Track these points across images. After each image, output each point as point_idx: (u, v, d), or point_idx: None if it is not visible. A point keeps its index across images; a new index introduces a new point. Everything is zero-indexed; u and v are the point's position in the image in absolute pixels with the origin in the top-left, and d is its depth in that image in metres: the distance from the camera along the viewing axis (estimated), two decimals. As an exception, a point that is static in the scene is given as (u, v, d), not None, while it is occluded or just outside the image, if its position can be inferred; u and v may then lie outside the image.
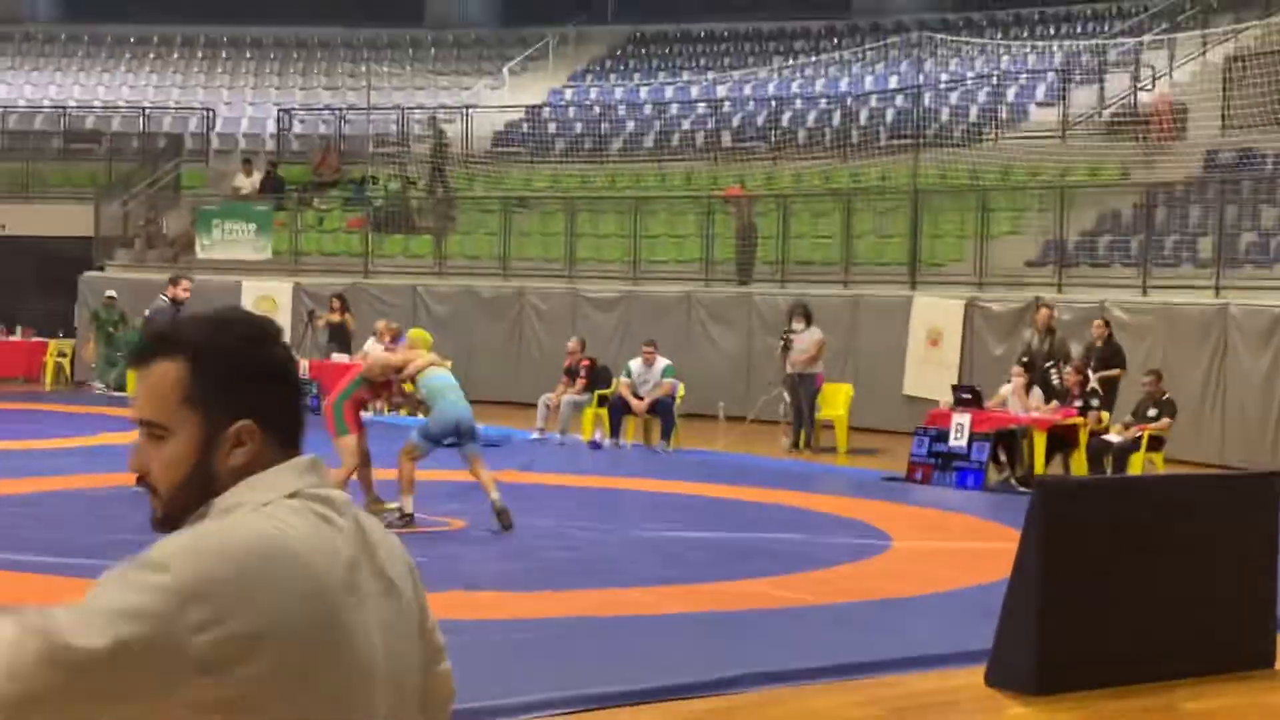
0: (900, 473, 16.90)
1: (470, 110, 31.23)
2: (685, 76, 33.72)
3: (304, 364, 23.80)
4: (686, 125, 31.17)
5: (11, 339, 28.72)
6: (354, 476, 12.34)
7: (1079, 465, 16.36)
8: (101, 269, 28.74)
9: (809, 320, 19.91)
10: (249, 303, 27.22)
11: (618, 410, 19.40)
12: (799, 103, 31.07)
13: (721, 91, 32.42)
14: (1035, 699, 7.79)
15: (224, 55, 36.85)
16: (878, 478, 17.01)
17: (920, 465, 16.71)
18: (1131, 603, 8.22)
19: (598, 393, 19.88)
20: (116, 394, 25.38)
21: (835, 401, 20.13)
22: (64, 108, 33.67)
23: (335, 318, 24.78)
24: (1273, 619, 8.80)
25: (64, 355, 28.39)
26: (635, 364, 19.52)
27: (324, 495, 2.34)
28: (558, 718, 7.16)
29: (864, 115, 29.61)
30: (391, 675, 2.35)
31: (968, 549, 12.40)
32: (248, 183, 30.27)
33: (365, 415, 13.75)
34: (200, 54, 36.85)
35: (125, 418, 20.91)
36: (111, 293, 27.39)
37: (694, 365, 23.80)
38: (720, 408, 23.37)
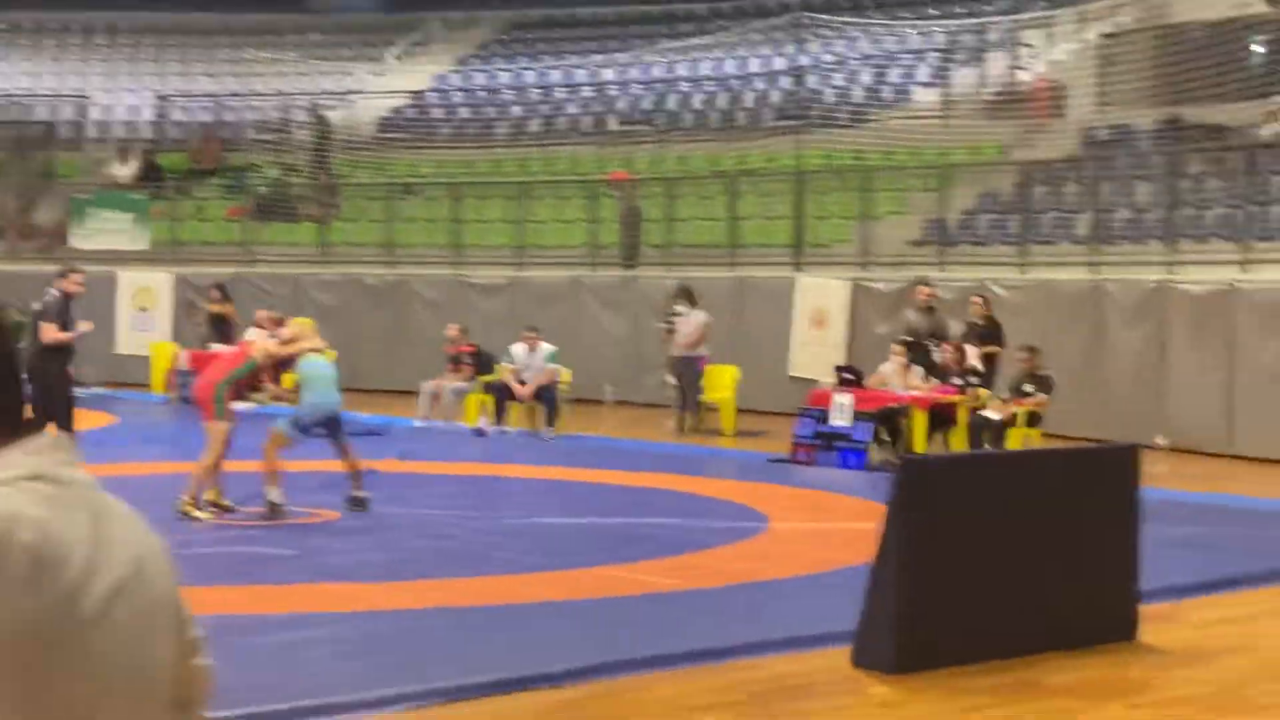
0: (786, 454, 16.88)
1: (353, 96, 30.89)
2: (571, 60, 33.53)
3: (184, 355, 23.45)
4: (572, 109, 31.03)
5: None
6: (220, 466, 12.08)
7: (959, 443, 16.42)
8: (-26, 261, 28.13)
9: (692, 303, 19.85)
10: (126, 294, 26.81)
11: (501, 397, 19.25)
12: (684, 86, 31.00)
13: (607, 75, 32.28)
14: (897, 678, 7.75)
15: (100, 42, 36.18)
16: (763, 459, 17.00)
17: (804, 446, 16.69)
18: (993, 579, 8.20)
19: (482, 379, 19.70)
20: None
21: (721, 384, 20.08)
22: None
23: (215, 308, 24.39)
24: (1133, 591, 8.82)
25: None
26: (518, 350, 19.37)
27: (62, 477, 2.19)
28: (409, 713, 7.01)
29: (749, 98, 29.62)
30: (132, 669, 2.20)
31: (846, 529, 12.36)
32: (125, 171, 29.76)
33: (239, 407, 13.46)
34: (76, 40, 36.15)
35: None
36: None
37: (582, 350, 23.67)
38: (608, 392, 23.29)
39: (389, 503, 12.86)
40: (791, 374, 21.55)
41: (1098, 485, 8.84)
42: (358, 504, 12.43)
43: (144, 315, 26.70)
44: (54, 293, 14.71)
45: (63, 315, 14.39)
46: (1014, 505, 8.36)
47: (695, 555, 10.99)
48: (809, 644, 8.42)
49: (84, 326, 14.93)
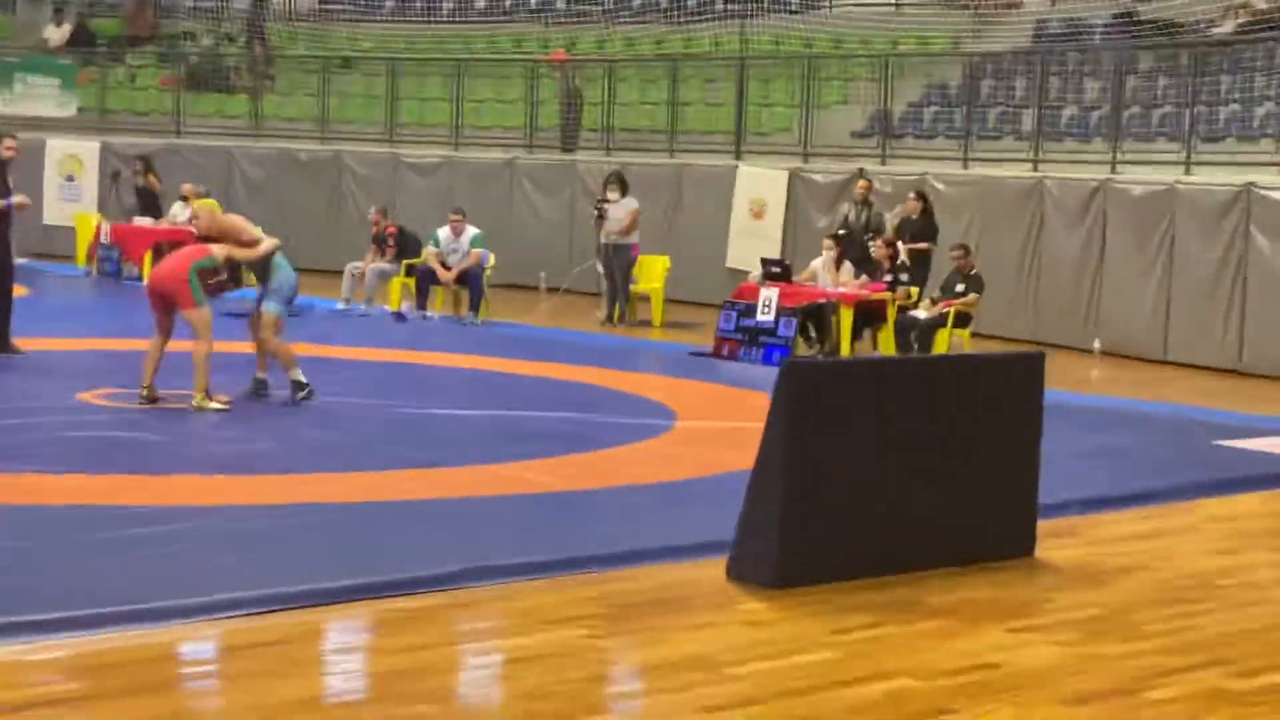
0: (710, 348, 16.46)
1: (295, -36, 29.98)
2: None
3: (107, 228, 22.81)
4: (522, -14, 30.18)
5: None
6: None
7: (886, 341, 16.02)
8: (-103, 124, 27.30)
9: (624, 189, 19.32)
10: (53, 162, 26.08)
11: (425, 281, 18.72)
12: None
13: (559, -49, 31.43)
14: (774, 593, 7.37)
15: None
16: (686, 353, 16.58)
17: (727, 340, 16.27)
18: (881, 491, 7.80)
19: (406, 262, 19.15)
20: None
21: (652, 274, 19.61)
22: None
23: (140, 181, 23.69)
24: (1033, 506, 8.45)
25: None
26: (443, 233, 18.80)
27: None
28: (246, 617, 6.59)
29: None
30: None
31: (755, 429, 11.90)
32: (57, 34, 28.89)
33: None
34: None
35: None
36: None
37: (515, 234, 23.18)
38: (542, 278, 22.81)
39: (287, 389, 12.39)
40: (729, 265, 21.09)
41: (1000, 394, 8.42)
42: (257, 387, 12.21)
43: (71, 185, 26.02)
44: None
45: None
46: (907, 414, 7.94)
47: (592, 454, 10.56)
48: (692, 553, 8.03)
49: (20, 199, 14.26)
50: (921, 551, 7.93)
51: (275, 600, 6.78)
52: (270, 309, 12.09)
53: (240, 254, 12.05)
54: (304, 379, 11.97)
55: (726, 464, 10.05)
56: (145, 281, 12.51)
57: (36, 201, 25.65)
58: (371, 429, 11.12)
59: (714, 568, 7.72)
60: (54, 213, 25.85)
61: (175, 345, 11.66)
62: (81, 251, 23.65)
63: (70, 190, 25.95)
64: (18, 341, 14.05)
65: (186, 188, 22.76)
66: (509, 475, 9.70)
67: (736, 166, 21.82)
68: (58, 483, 8.82)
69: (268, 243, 12.17)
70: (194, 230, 13.01)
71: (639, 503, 9.16)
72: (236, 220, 12.54)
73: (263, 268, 12.25)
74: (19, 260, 23.88)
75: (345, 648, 6.61)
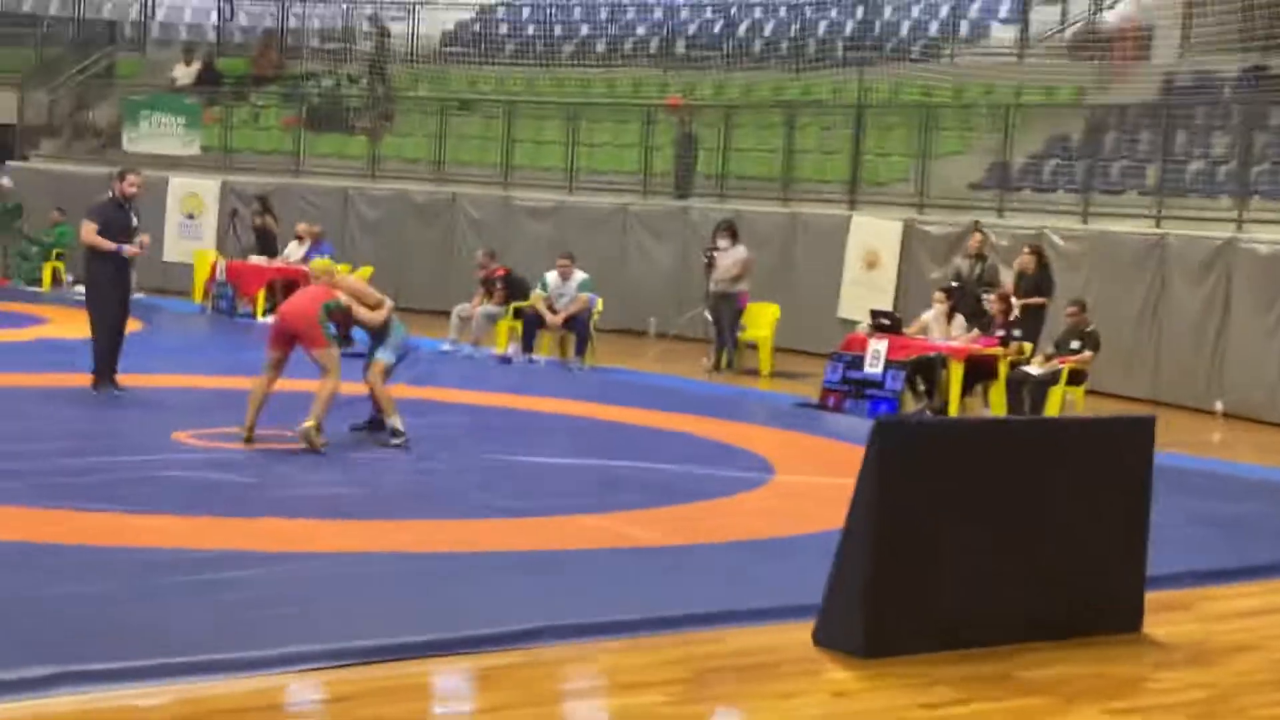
0: (816, 399, 16.17)
1: (417, 7, 30.17)
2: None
3: (222, 265, 22.97)
4: (641, 31, 30.16)
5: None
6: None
7: (997, 397, 15.63)
8: (25, 159, 27.79)
9: (734, 237, 19.11)
10: (175, 199, 26.37)
11: (532, 324, 18.61)
12: (758, 12, 30.05)
13: (679, -4, 31.38)
14: (861, 662, 7.08)
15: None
16: (791, 404, 16.30)
17: (833, 392, 15.97)
18: (976, 557, 7.49)
19: (513, 305, 19.06)
20: (29, 289, 24.56)
21: (760, 322, 19.35)
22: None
23: (257, 221, 23.85)
24: (1141, 576, 8.08)
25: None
26: (551, 277, 18.69)
27: None
28: (315, 671, 6.42)
29: (822, 27, 28.64)
30: None
31: (852, 486, 11.63)
32: (186, 74, 29.27)
33: None
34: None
35: (24, 314, 20.13)
36: (6, 180, 26.61)
37: (626, 279, 23.06)
38: (651, 324, 22.64)
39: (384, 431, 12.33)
40: (840, 315, 20.78)
41: (1108, 457, 8.07)
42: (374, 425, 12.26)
43: (191, 223, 26.29)
44: (109, 195, 14.22)
45: (107, 217, 13.83)
46: (1005, 477, 7.63)
47: (685, 507, 10.32)
48: (780, 616, 7.76)
49: (143, 238, 14.28)
50: (1018, 623, 7.60)
51: (346, 655, 6.60)
52: (381, 357, 12.10)
53: (362, 314, 12.02)
54: (402, 427, 11.90)
55: (822, 521, 9.74)
56: (273, 318, 12.40)
57: (158, 238, 26.01)
58: (465, 476, 10.96)
59: (802, 632, 7.44)
60: (174, 249, 26.13)
61: (288, 385, 11.64)
62: (198, 288, 23.83)
63: (190, 228, 26.22)
64: (122, 378, 14.06)
65: (301, 227, 22.91)
66: (599, 527, 9.48)
67: (850, 216, 21.52)
68: (142, 524, 8.73)
69: (388, 306, 12.13)
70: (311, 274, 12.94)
71: (729, 560, 8.90)
72: (356, 283, 12.49)
73: (379, 326, 12.21)
74: (136, 295, 24.28)
75: (413, 709, 6.40)
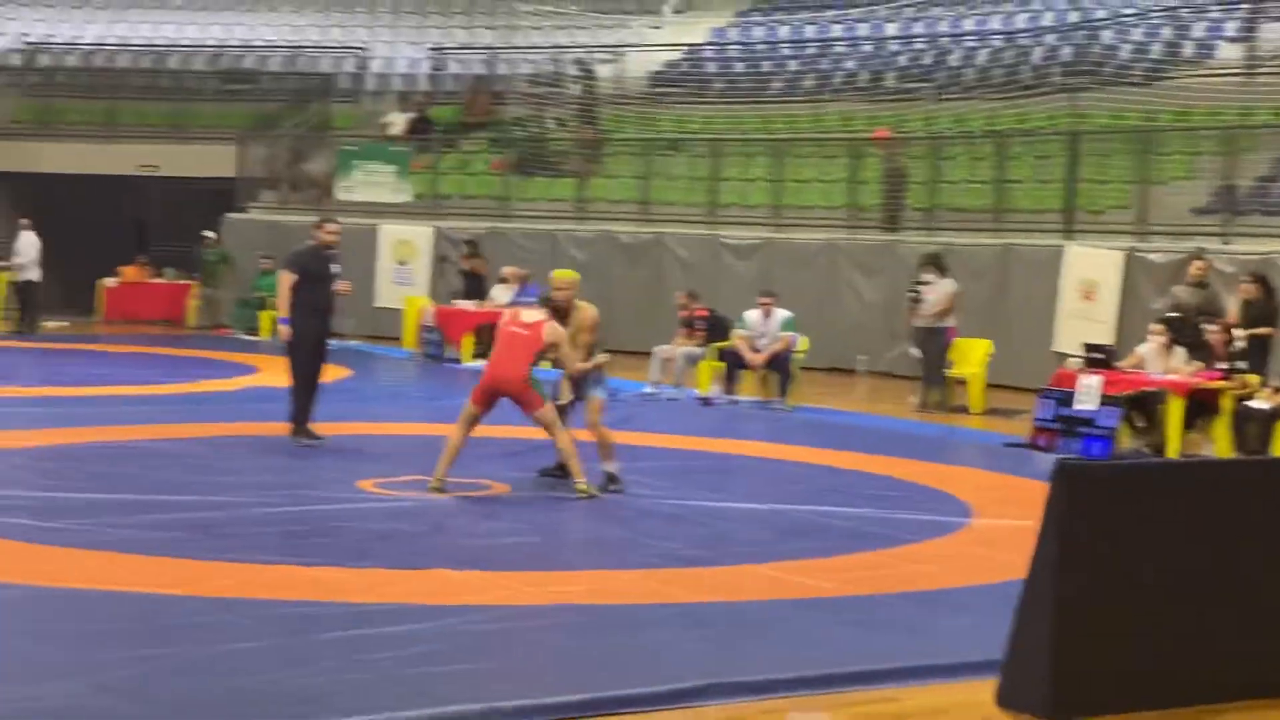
0: (1026, 438, 15.54)
1: (624, 50, 30.19)
2: (854, 14, 32.18)
3: (430, 310, 23.11)
4: (850, 65, 29.73)
5: (157, 281, 28.57)
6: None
7: (1221, 434, 14.82)
8: (244, 210, 28.42)
9: (941, 271, 18.56)
10: (386, 247, 26.68)
11: (733, 364, 18.29)
12: (971, 41, 29.42)
13: (891, 30, 30.90)
14: (1046, 725, 6.58)
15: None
16: (1001, 443, 15.70)
17: (1044, 430, 15.31)
18: (1173, 611, 6.92)
19: (716, 345, 18.77)
20: (248, 338, 25.05)
21: (971, 358, 18.74)
22: (223, 47, 33.47)
23: (465, 264, 24.01)
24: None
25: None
26: (752, 315, 18.36)
27: None
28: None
29: (1037, 54, 27.90)
30: None
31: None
32: (399, 123, 29.68)
33: None
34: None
35: (235, 363, 20.46)
36: (210, 233, 27.32)
37: (835, 316, 22.64)
38: (860, 362, 22.14)
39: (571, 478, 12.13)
40: (1055, 349, 20.06)
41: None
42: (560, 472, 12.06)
43: (403, 269, 26.57)
44: (309, 243, 14.29)
45: (305, 266, 13.88)
46: (1206, 524, 7.05)
47: (872, 554, 9.87)
48: (963, 673, 7.28)
49: (343, 285, 14.36)
50: (1221, 681, 7.01)
51: (495, 715, 6.32)
52: (596, 394, 11.89)
53: (568, 358, 11.75)
54: (618, 473, 11.70)
55: (1016, 569, 9.15)
56: (483, 368, 12.16)
57: (369, 285, 26.40)
58: (647, 522, 10.65)
59: (985, 691, 6.95)
60: (386, 296, 26.46)
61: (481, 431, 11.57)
62: (408, 334, 24.02)
63: (402, 274, 26.51)
64: (321, 427, 14.07)
65: (506, 270, 22.97)
66: (778, 577, 9.09)
67: (1064, 246, 20.78)
68: (310, 576, 8.59)
69: (600, 359, 11.86)
70: (533, 303, 12.68)
71: (911, 612, 8.43)
72: (592, 315, 12.18)
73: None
74: (350, 342, 24.59)
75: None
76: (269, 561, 8.89)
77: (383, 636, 7.38)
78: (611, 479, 11.69)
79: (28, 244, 25.25)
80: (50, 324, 26.86)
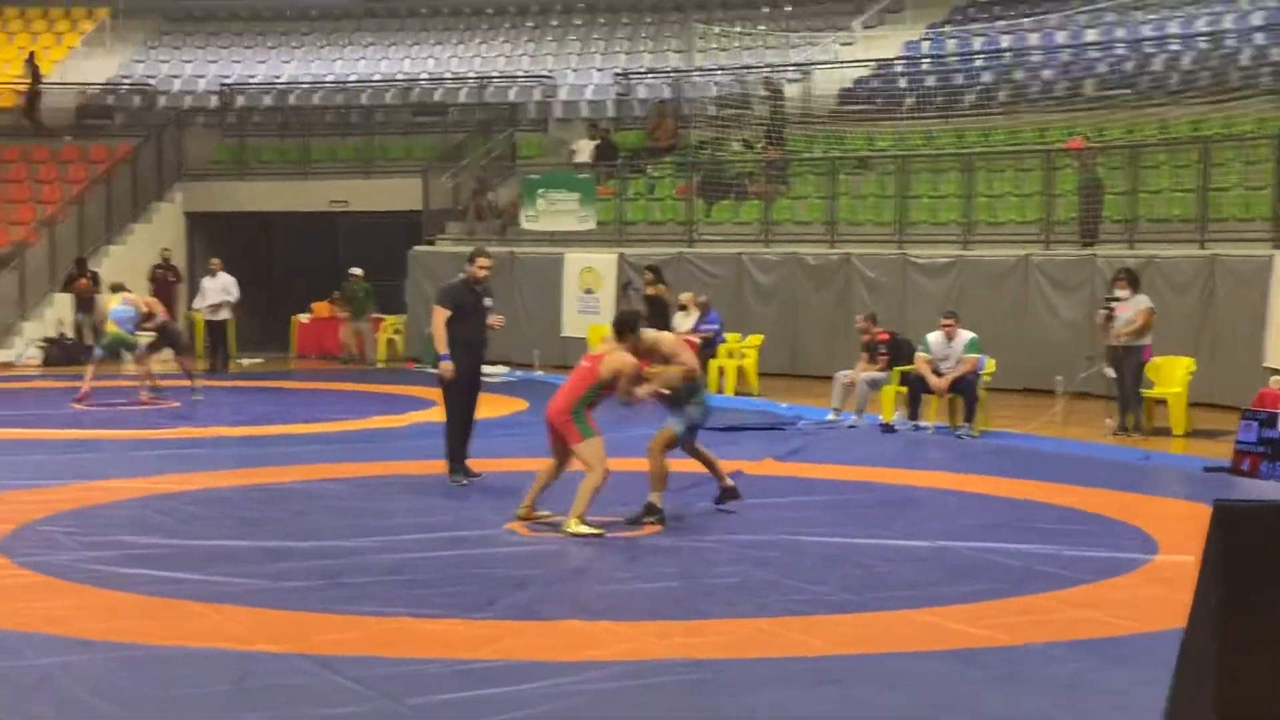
0: (1229, 461, 14.54)
1: (813, 67, 29.54)
2: (1052, 21, 31.10)
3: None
4: (1048, 75, 28.68)
5: (346, 316, 28.67)
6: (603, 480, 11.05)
7: None
8: (431, 243, 28.40)
9: (1135, 286, 17.58)
10: (571, 275, 26.40)
11: (916, 389, 17.53)
12: (1174, 45, 28.17)
13: (1091, 36, 29.75)
14: (1207, 800, 5.81)
15: (576, 22, 36.21)
16: (1201, 468, 14.72)
17: (1247, 454, 14.30)
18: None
19: (898, 369, 18.03)
20: (433, 371, 24.88)
21: (1171, 377, 17.72)
22: (413, 81, 33.63)
23: (649, 290, 23.59)
24: None
25: (398, 332, 28.23)
26: (934, 338, 17.58)
27: None
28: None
29: (1245, 54, 26.59)
30: None
31: (1255, 565, 10.16)
32: (585, 150, 29.45)
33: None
34: (554, 21, 36.31)
35: (411, 398, 20.28)
36: (356, 270, 27.43)
37: (1029, 335, 21.74)
38: (1058, 382, 21.15)
39: (730, 517, 11.60)
40: (1266, 365, 18.90)
41: None
42: (729, 495, 11.81)
43: (589, 297, 26.25)
44: (459, 276, 13.95)
45: (458, 300, 13.54)
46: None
47: (1043, 597, 9.12)
48: (1126, 732, 6.56)
49: (495, 321, 14.02)
50: None
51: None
52: (672, 424, 11.45)
53: (659, 370, 11.30)
54: (660, 505, 11.26)
55: (1197, 614, 8.40)
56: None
57: (556, 314, 26.14)
58: (799, 564, 10.02)
59: (1141, 757, 6.23)
60: (572, 325, 26.18)
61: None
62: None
63: (588, 303, 26.19)
64: (480, 463, 13.72)
65: (685, 297, 22.49)
66: (931, 624, 8.40)
67: (1275, 255, 19.59)
68: (429, 630, 8.14)
69: (669, 375, 11.36)
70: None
71: (1072, 663, 7.67)
72: (668, 341, 11.74)
73: (687, 390, 11.47)
74: (537, 373, 24.33)
75: None
76: (389, 614, 8.48)
77: (486, 699, 6.90)
78: (649, 509, 11.26)
79: (218, 285, 25.50)
80: (245, 361, 27.16)
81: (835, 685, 7.23)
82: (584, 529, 10.92)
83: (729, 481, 11.94)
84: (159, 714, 6.70)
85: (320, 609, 8.59)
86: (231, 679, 7.17)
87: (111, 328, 20.09)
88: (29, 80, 32.57)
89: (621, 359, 11.36)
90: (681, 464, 12.01)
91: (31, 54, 33.05)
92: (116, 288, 21.26)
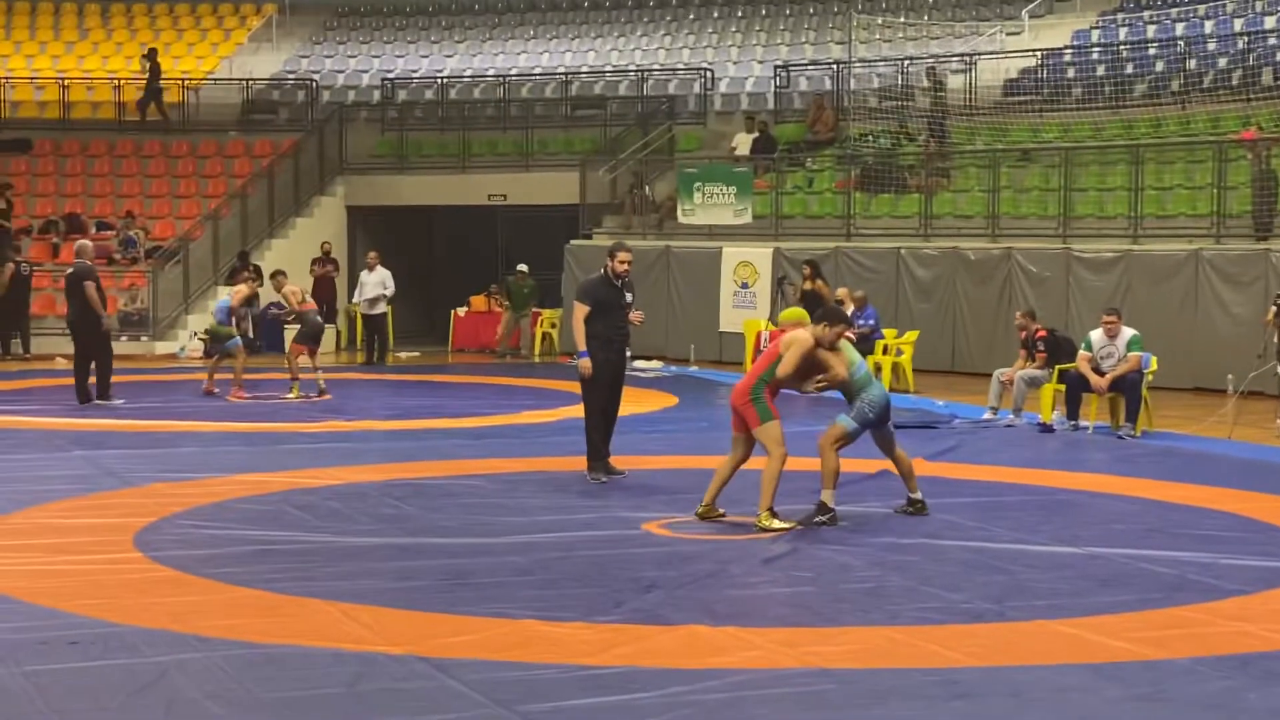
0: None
1: (975, 58, 28.94)
2: (1229, 8, 30.11)
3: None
4: (1223, 63, 27.76)
5: (499, 310, 28.74)
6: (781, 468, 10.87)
7: None
8: (589, 236, 28.34)
9: (1309, 281, 16.89)
10: (728, 269, 26.17)
11: (1076, 388, 17.00)
12: (1357, 29, 27.14)
13: (1269, 23, 28.74)
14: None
15: (737, 14, 35.93)
16: (1377, 472, 14.08)
17: None
18: None
19: (1058, 367, 17.51)
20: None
21: (1346, 376, 17.01)
22: (573, 74, 33.62)
23: (807, 285, 23.27)
24: None
25: (554, 326, 28.21)
26: (1096, 335, 17.03)
27: None
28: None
29: None
30: None
31: None
32: (744, 143, 29.18)
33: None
34: (715, 13, 36.06)
35: (564, 393, 20.19)
36: (523, 266, 27.41)
37: (1200, 333, 21.07)
38: (1229, 381, 20.44)
39: (875, 519, 11.30)
40: None
41: None
42: (915, 506, 11.50)
43: (745, 292, 26.01)
44: (600, 273, 13.76)
45: (597, 296, 13.35)
46: None
47: (1191, 608, 8.68)
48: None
49: (635, 316, 13.81)
50: None
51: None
52: (842, 421, 11.15)
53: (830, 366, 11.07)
54: (832, 504, 11.03)
55: (1359, 631, 7.96)
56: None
57: (713, 309, 25.93)
58: (940, 570, 9.68)
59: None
60: (728, 320, 25.97)
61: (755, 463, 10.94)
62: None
63: (744, 297, 25.94)
64: (623, 460, 13.55)
65: (841, 292, 22.15)
66: (1073, 635, 8.04)
67: None
68: (549, 633, 7.96)
69: (839, 370, 11.08)
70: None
71: (1220, 681, 7.26)
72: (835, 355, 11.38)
73: (853, 386, 11.20)
74: (691, 369, 24.12)
75: None
76: (513, 615, 8.32)
77: (598, 708, 6.72)
78: (821, 509, 11.03)
79: (375, 279, 25.68)
80: (402, 355, 27.32)
81: (964, 699, 6.92)
82: (777, 524, 10.74)
83: (918, 494, 11.58)
84: (268, 716, 6.60)
85: (443, 610, 8.46)
86: (345, 681, 7.06)
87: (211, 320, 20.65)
88: (146, 76, 32.93)
89: (798, 333, 11.15)
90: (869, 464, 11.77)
91: (152, 50, 33.42)
92: (274, 274, 21.54)
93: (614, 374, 13.46)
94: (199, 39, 36.90)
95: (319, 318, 20.63)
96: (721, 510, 11.24)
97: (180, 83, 33.53)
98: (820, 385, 11.39)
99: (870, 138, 28.30)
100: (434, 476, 13.34)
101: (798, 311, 12.73)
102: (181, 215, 31.01)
